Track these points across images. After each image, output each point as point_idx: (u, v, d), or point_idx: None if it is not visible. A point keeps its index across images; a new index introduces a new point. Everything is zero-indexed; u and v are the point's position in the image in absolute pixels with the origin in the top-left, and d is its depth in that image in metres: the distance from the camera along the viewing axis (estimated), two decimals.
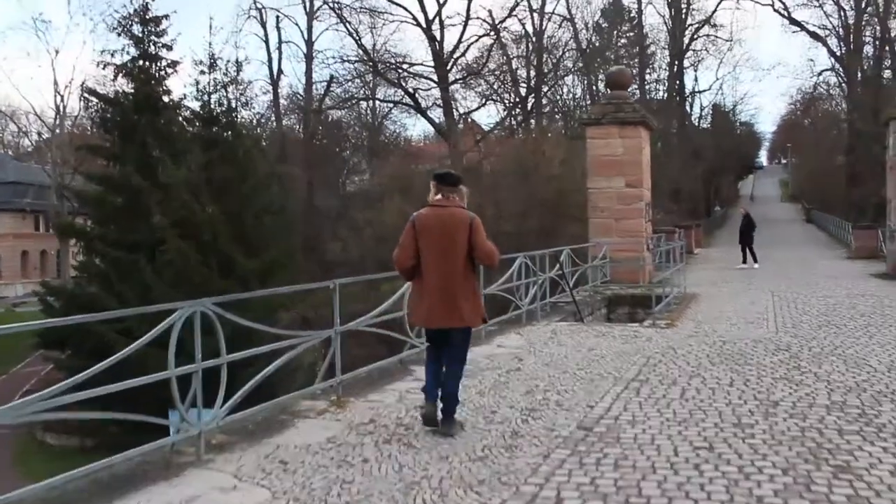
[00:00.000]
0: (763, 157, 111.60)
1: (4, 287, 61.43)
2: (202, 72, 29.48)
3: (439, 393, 5.60)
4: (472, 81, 45.61)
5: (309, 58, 46.80)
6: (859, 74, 47.72)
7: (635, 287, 16.47)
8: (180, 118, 28.96)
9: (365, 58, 42.24)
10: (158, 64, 28.81)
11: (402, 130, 54.02)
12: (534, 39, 45.84)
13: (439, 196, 5.59)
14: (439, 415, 5.59)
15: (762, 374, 7.48)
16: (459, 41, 42.58)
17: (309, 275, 30.91)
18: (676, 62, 49.41)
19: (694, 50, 52.45)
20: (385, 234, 26.08)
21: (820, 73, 53.32)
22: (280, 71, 48.52)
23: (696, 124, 59.29)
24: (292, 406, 6.40)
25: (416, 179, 29.08)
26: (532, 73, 44.87)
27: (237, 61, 33.14)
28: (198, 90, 28.67)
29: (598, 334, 10.27)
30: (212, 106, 28.51)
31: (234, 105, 29.90)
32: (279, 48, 47.80)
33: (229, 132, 28.71)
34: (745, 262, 22.67)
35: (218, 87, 29.13)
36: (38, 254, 63.19)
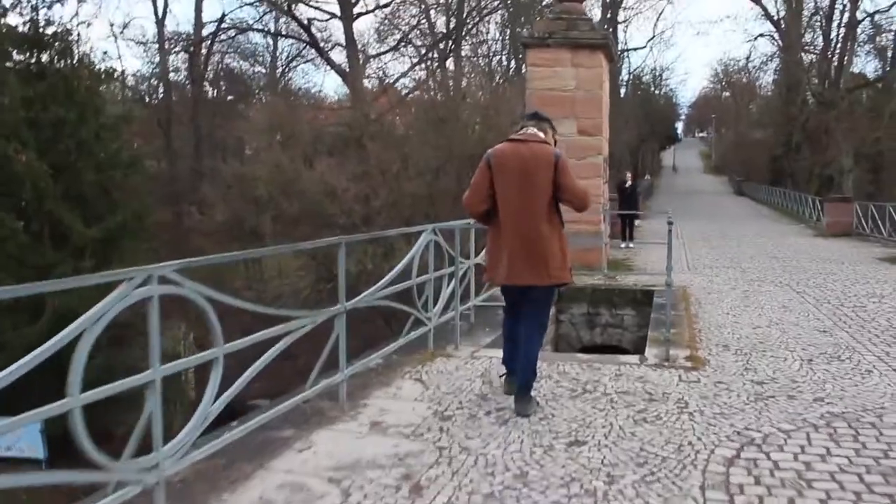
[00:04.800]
0: (679, 130, 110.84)
1: None
2: None
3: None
4: (382, 30, 39.96)
5: None
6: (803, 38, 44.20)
7: (592, 274, 11.70)
8: None
9: None
10: None
11: (311, 86, 48.00)
12: None
13: (521, 130, 4.63)
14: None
15: None
16: None
17: (171, 245, 25.21)
18: (609, 12, 44.71)
19: (625, 8, 48.84)
20: (258, 193, 20.44)
21: (755, 38, 55.20)
22: (166, 7, 41.54)
23: (625, 90, 55.73)
24: None
25: (304, 129, 23.36)
26: (452, 18, 39.34)
27: None
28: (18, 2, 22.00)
29: (573, 387, 5.27)
30: (40, 25, 21.85)
31: (71, 26, 23.03)
32: None
33: (64, 62, 22.25)
34: (625, 238, 18.36)
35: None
36: None
